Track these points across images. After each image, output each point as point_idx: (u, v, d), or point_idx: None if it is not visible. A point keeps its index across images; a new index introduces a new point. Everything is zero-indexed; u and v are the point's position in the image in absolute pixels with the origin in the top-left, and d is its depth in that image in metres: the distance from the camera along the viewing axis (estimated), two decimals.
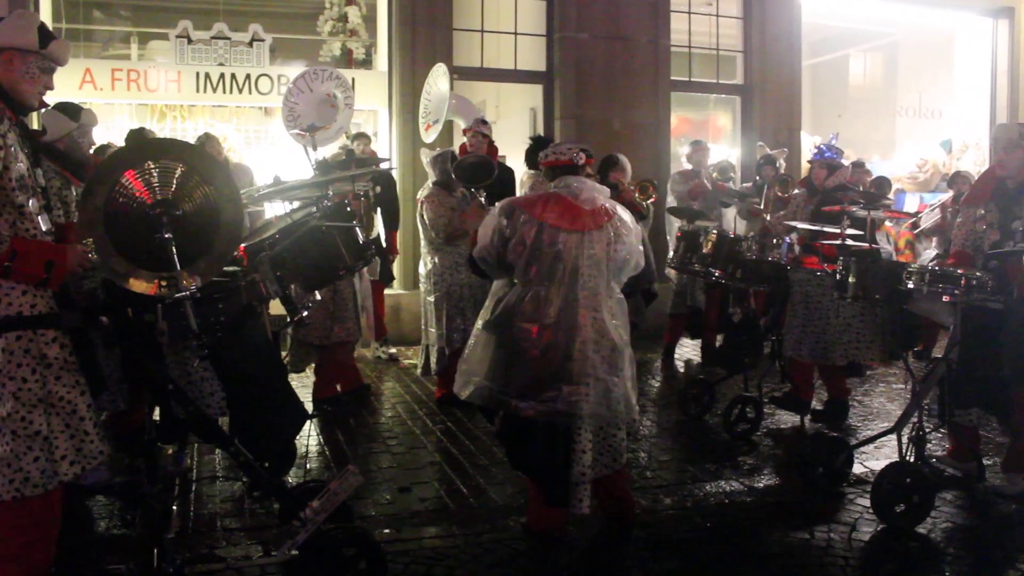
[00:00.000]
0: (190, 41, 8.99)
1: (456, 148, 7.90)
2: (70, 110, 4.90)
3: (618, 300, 4.02)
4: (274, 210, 4.47)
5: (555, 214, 3.86)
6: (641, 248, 4.14)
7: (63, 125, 4.76)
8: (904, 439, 4.64)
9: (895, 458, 4.73)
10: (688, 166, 9.06)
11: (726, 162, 9.82)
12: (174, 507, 3.76)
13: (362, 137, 8.53)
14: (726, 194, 8.81)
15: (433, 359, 6.67)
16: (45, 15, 8.59)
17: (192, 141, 7.48)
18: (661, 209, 8.87)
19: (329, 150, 7.69)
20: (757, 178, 9.31)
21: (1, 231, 2.87)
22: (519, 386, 3.82)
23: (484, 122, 7.67)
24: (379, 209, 8.13)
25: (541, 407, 3.80)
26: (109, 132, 9.01)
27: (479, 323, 4.09)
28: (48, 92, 3.21)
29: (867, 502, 4.61)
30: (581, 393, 3.78)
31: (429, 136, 8.43)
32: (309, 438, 5.77)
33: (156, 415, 3.72)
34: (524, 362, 3.83)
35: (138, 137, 6.59)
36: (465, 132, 7.87)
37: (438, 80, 8.44)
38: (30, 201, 2.98)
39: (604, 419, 3.92)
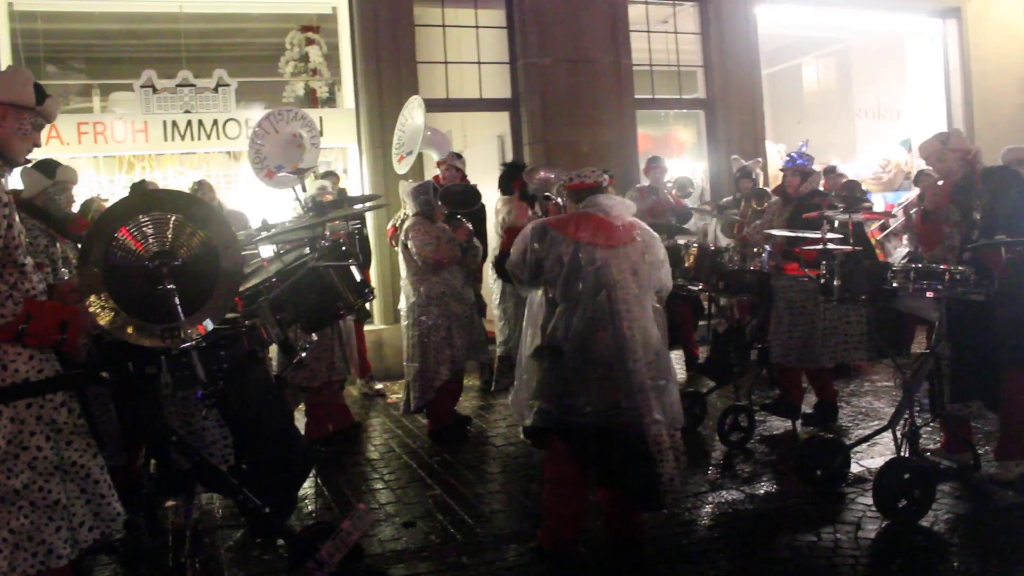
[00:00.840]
0: (155, 90, 8.96)
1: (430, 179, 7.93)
2: (46, 167, 4.88)
3: (656, 310, 4.11)
4: (263, 253, 4.47)
5: (589, 232, 3.94)
6: (666, 258, 4.24)
7: (38, 182, 4.74)
8: (898, 435, 4.71)
9: (890, 456, 4.80)
10: (646, 182, 9.15)
11: (685, 178, 9.94)
12: (185, 560, 3.72)
13: (330, 175, 8.52)
14: (686, 208, 8.89)
15: (415, 394, 6.60)
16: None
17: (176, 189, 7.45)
18: None
19: (309, 190, 7.68)
20: (736, 192, 9.41)
21: (10, 291, 2.81)
22: (581, 404, 3.89)
23: (458, 156, 7.74)
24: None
25: (607, 420, 3.88)
26: (79, 187, 8.94)
27: (528, 351, 4.13)
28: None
29: (868, 500, 4.67)
30: (642, 401, 3.85)
31: (402, 167, 8.47)
32: (307, 480, 5.73)
33: (152, 468, 3.70)
34: (581, 380, 3.89)
35: (139, 189, 6.55)
36: (439, 165, 7.92)
37: (413, 112, 8.49)
38: (27, 259, 2.95)
39: (671, 422, 3.99)
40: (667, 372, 4.06)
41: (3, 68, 3.18)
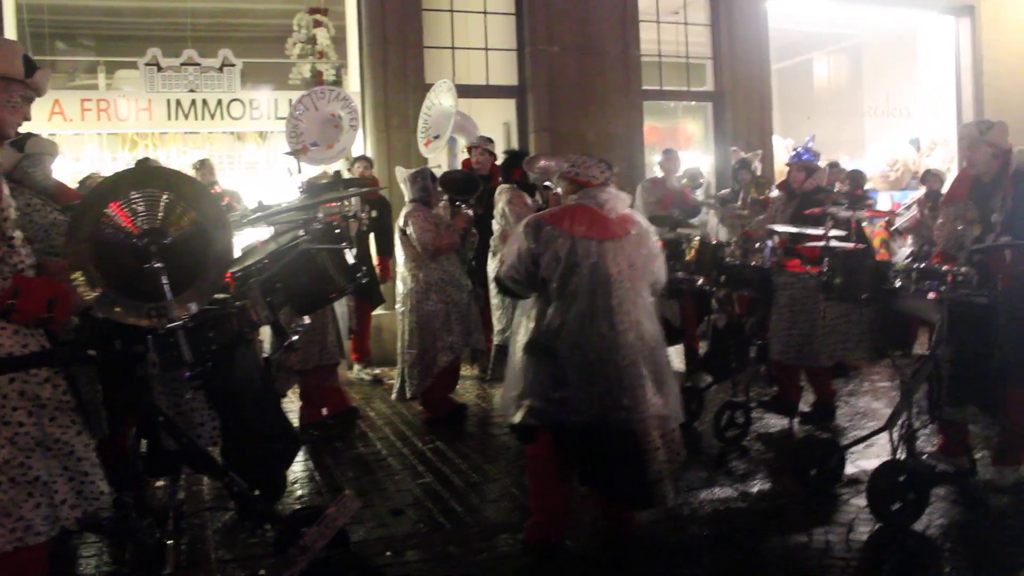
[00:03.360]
0: (160, 69, 8.92)
1: (459, 164, 7.93)
2: (17, 142, 4.76)
3: (650, 303, 4.06)
4: (257, 234, 4.42)
5: (584, 226, 3.88)
6: (660, 250, 4.18)
7: (9, 157, 4.63)
8: (895, 437, 4.66)
9: (886, 457, 4.74)
10: (659, 174, 9.10)
11: (695, 169, 9.88)
12: (169, 542, 3.70)
13: (363, 160, 8.48)
14: (695, 201, 8.84)
15: (410, 383, 6.58)
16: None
17: (172, 167, 7.42)
18: None
19: (315, 171, 7.67)
20: (735, 184, 9.36)
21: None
22: (574, 401, 3.83)
23: (489, 140, 7.71)
24: (373, 234, 8.09)
25: (603, 416, 3.83)
26: (80, 163, 8.94)
27: (520, 345, 4.06)
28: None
29: (862, 502, 4.62)
30: (640, 396, 3.81)
31: (430, 151, 8.43)
32: (297, 464, 5.70)
33: (143, 447, 3.67)
34: (576, 376, 3.84)
35: (143, 166, 6.49)
36: (470, 149, 7.87)
37: (442, 96, 8.45)
38: (16, 232, 2.91)
39: (668, 417, 3.96)
40: (664, 366, 4.01)
41: (21, 49, 3.10)
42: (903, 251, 8.84)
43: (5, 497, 2.78)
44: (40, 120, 8.36)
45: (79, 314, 3.24)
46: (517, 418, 3.98)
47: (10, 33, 8.68)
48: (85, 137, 9.28)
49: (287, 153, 5.76)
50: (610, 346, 3.84)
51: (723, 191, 9.94)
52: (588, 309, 3.85)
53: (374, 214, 7.95)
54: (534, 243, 3.90)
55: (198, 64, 9.04)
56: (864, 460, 5.38)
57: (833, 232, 5.06)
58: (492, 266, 7.22)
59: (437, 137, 8.39)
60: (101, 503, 3.01)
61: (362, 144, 9.43)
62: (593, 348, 3.84)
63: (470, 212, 6.41)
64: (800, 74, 14.97)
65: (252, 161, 10.00)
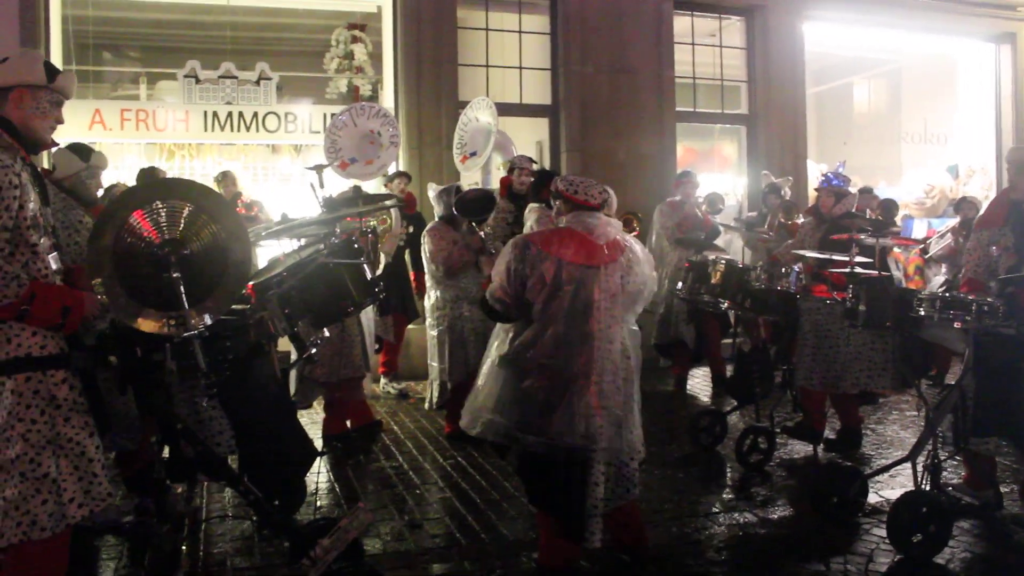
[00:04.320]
0: (198, 81, 9.09)
1: (493, 181, 7.96)
2: (82, 151, 4.92)
3: (632, 332, 4.03)
4: (282, 247, 4.48)
5: (571, 250, 3.87)
6: (654, 276, 4.15)
7: (73, 164, 4.79)
8: (919, 467, 4.59)
9: (910, 487, 4.67)
10: (676, 197, 9.06)
11: (716, 194, 9.83)
12: (183, 547, 3.74)
13: (402, 176, 8.53)
14: (714, 224, 8.78)
15: (435, 393, 6.69)
16: (56, 57, 8.68)
17: (201, 179, 7.52)
18: (642, 241, 8.80)
19: (343, 185, 7.73)
20: (763, 207, 9.31)
21: (17, 272, 2.87)
22: (534, 421, 3.81)
23: (532, 160, 7.74)
24: (408, 249, 8.14)
25: (556, 441, 3.79)
26: (119, 171, 9.09)
27: (492, 357, 4.06)
28: (59, 127, 3.24)
29: (883, 532, 4.55)
30: (596, 426, 3.78)
31: (466, 168, 8.47)
32: (319, 475, 5.74)
33: (165, 454, 3.72)
34: (539, 397, 3.82)
35: (149, 176, 6.62)
36: (509, 168, 7.89)
37: (480, 112, 8.48)
38: (41, 240, 2.99)
39: (618, 452, 3.90)
40: (631, 399, 3.97)
41: (42, 56, 3.20)
42: (937, 279, 8.73)
43: (15, 491, 2.88)
44: (80, 128, 8.56)
45: (110, 321, 3.31)
46: (474, 431, 3.97)
47: (56, 44, 8.89)
48: (124, 146, 9.45)
49: (310, 168, 5.82)
50: (581, 372, 3.82)
51: (750, 214, 9.88)
52: (564, 333, 3.82)
53: (411, 229, 8.00)
54: (520, 264, 3.89)
55: (235, 77, 9.19)
56: (887, 490, 5.32)
57: (858, 259, 5.01)
58: None
59: (474, 154, 8.43)
60: (108, 504, 3.09)
61: (396, 160, 9.51)
62: (562, 372, 3.81)
63: (482, 233, 6.42)
64: (838, 98, 14.87)
65: (287, 173, 10.11)
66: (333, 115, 8.22)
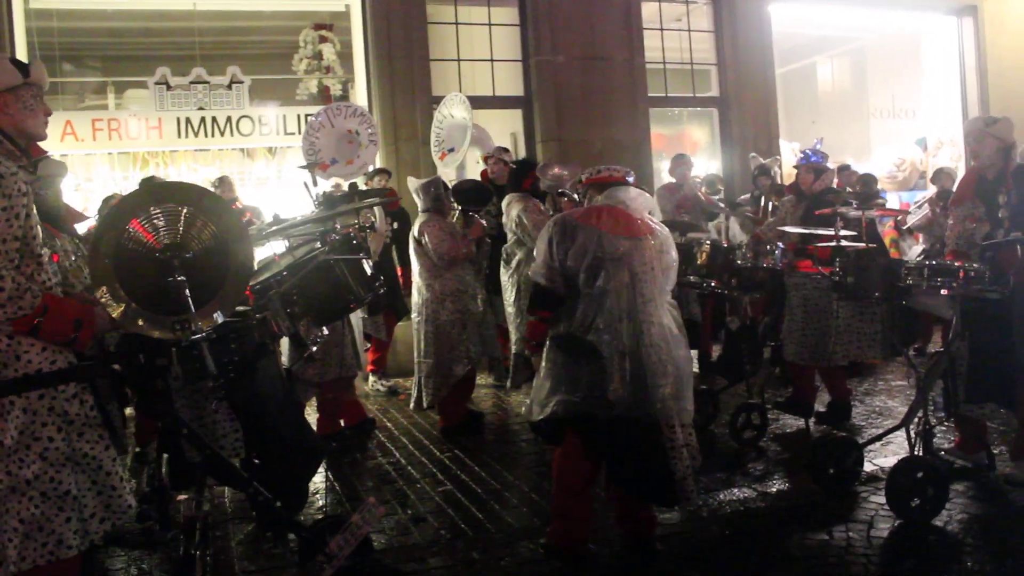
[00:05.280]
0: (169, 87, 9.02)
1: (469, 174, 7.95)
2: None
3: (672, 304, 4.09)
4: (273, 248, 4.47)
5: (611, 222, 3.93)
6: (676, 254, 4.21)
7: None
8: (911, 434, 4.68)
9: (903, 454, 4.76)
10: (672, 180, 9.12)
11: (713, 175, 9.90)
12: (196, 552, 3.73)
13: (382, 172, 8.51)
14: (715, 206, 8.87)
15: (427, 392, 6.61)
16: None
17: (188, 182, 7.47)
18: None
19: (328, 184, 7.72)
20: (755, 190, 9.38)
21: (30, 284, 2.81)
22: (600, 397, 3.86)
23: (505, 150, 7.76)
24: (394, 245, 8.13)
25: (631, 411, 3.84)
26: (92, 183, 9.02)
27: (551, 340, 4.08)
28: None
29: (881, 499, 4.64)
30: (664, 393, 3.85)
31: (445, 165, 8.47)
32: (317, 475, 5.73)
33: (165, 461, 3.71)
34: (598, 373, 3.86)
35: (149, 184, 6.54)
36: (486, 159, 7.91)
37: (454, 108, 8.49)
38: (43, 250, 2.96)
39: (686, 413, 3.98)
40: (686, 366, 4.04)
41: (39, 62, 3.15)
42: (914, 250, 8.84)
43: (37, 512, 2.81)
44: (52, 141, 8.38)
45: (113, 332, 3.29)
46: (544, 415, 3.99)
47: (21, 56, 8.75)
48: (96, 157, 9.36)
49: (301, 167, 5.80)
50: (635, 343, 3.87)
51: (743, 196, 9.94)
52: (617, 304, 3.88)
53: (395, 225, 7.99)
54: (561, 236, 3.95)
55: (207, 82, 9.14)
56: (882, 458, 5.41)
57: (844, 232, 5.07)
58: (505, 275, 7.28)
59: (452, 150, 8.44)
60: (129, 516, 3.05)
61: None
62: (620, 343, 3.87)
63: (483, 222, 6.44)
64: (804, 78, 14.97)
65: (263, 177, 10.06)
66: (309, 116, 8.18)
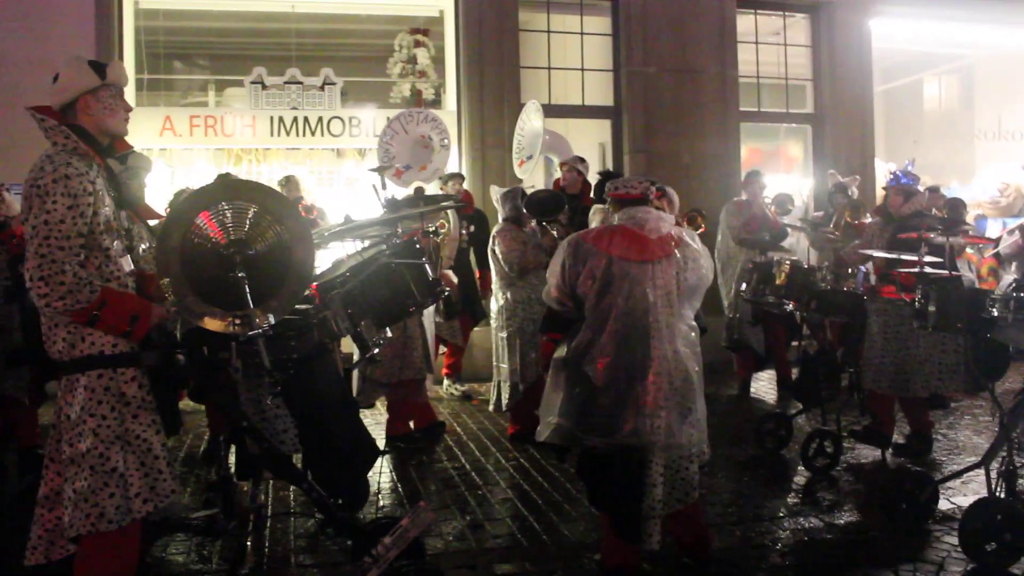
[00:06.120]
0: (264, 87, 9.28)
1: (551, 183, 7.96)
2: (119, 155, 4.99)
3: (690, 328, 3.97)
4: (345, 249, 4.53)
5: (622, 246, 3.84)
6: (711, 267, 4.09)
7: (111, 167, 4.85)
8: (993, 474, 4.46)
9: (983, 494, 4.54)
10: (743, 197, 8.93)
11: (785, 195, 9.66)
12: (248, 542, 3.80)
13: (456, 177, 8.58)
14: (781, 227, 8.62)
15: (505, 395, 6.71)
16: (128, 66, 8.91)
17: (267, 183, 7.64)
18: (710, 241, 8.68)
19: (406, 190, 7.80)
20: (829, 207, 9.15)
21: (90, 278, 2.96)
22: (594, 421, 3.79)
23: (581, 159, 7.75)
24: (472, 248, 8.17)
25: (615, 440, 3.76)
26: (188, 177, 9.31)
27: (553, 362, 4.05)
28: (133, 134, 3.33)
29: (955, 540, 4.43)
30: (654, 425, 3.73)
31: (523, 172, 8.51)
32: (382, 475, 5.80)
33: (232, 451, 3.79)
34: (598, 397, 3.80)
35: (223, 180, 6.71)
36: (561, 166, 7.93)
37: (531, 117, 8.53)
38: (114, 243, 3.09)
39: (677, 451, 3.86)
40: (693, 399, 3.88)
41: (117, 62, 3.30)
42: (1007, 278, 8.45)
43: (85, 484, 2.98)
44: (152, 135, 8.82)
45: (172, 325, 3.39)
46: (543, 436, 3.94)
47: (129, 55, 9.16)
48: (194, 152, 9.67)
49: (372, 169, 5.89)
50: (639, 370, 3.77)
51: (816, 214, 9.70)
52: (620, 330, 3.78)
53: (472, 229, 8.04)
54: (573, 260, 3.89)
55: (300, 83, 9.36)
56: (959, 496, 5.18)
57: (928, 258, 4.88)
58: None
59: (531, 157, 8.46)
60: (172, 500, 3.16)
61: (457, 162, 9.58)
62: (621, 371, 3.77)
63: (554, 232, 6.43)
64: (908, 95, 14.53)
65: (352, 177, 10.24)
66: (387, 121, 8.27)
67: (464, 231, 7.79)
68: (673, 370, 3.80)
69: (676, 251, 3.90)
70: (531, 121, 8.59)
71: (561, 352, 3.97)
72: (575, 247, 3.91)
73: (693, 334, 3.97)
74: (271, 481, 5.40)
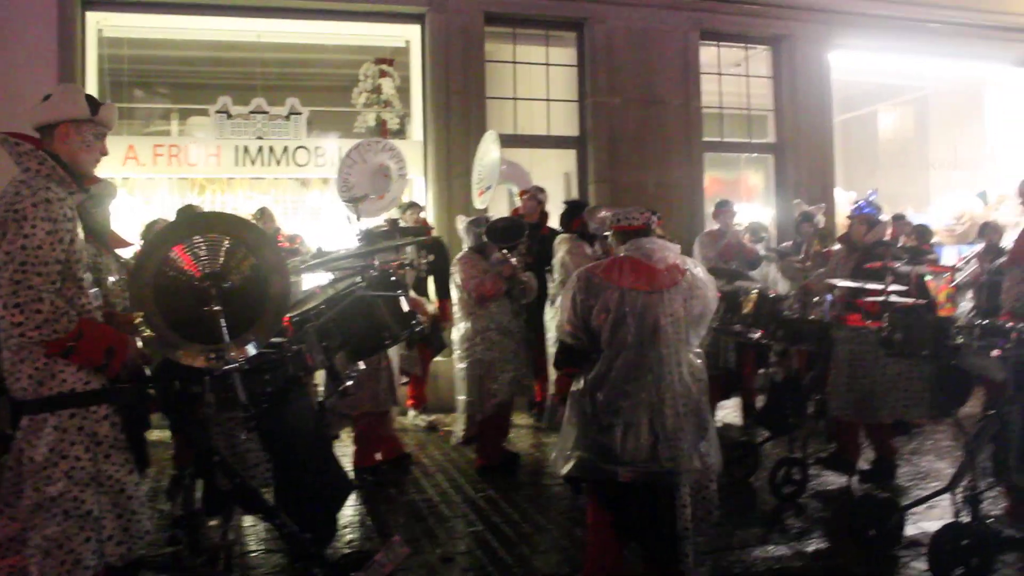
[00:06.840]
0: (229, 116, 9.23)
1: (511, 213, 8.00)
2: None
3: (696, 354, 4.01)
4: (316, 280, 4.51)
5: (632, 278, 3.87)
6: (715, 302, 4.13)
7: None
8: (958, 499, 4.52)
9: (948, 519, 4.60)
10: (715, 227, 9.03)
11: (757, 223, 9.79)
12: None
13: (414, 206, 8.58)
14: (756, 255, 8.73)
15: (461, 426, 6.64)
16: (90, 94, 8.84)
17: (236, 213, 7.59)
18: None
19: (375, 220, 7.78)
20: (797, 236, 9.27)
21: (67, 308, 2.89)
22: (616, 451, 3.80)
23: (540, 189, 7.79)
24: (431, 277, 8.15)
25: (640, 469, 3.77)
26: (151, 206, 9.21)
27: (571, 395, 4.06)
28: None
29: (922, 565, 4.49)
30: (677, 450, 3.76)
31: (481, 202, 8.52)
32: (349, 508, 5.74)
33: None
34: (618, 427, 3.81)
35: (187, 212, 6.67)
36: (521, 195, 7.95)
37: (489, 147, 8.55)
38: (85, 274, 3.04)
39: (699, 473, 3.89)
40: (707, 420, 3.95)
41: (82, 90, 3.27)
42: (964, 305, 8.61)
43: (59, 529, 2.87)
44: (114, 164, 8.70)
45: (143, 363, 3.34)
46: (564, 470, 3.94)
47: (92, 82, 9.06)
48: (157, 181, 9.57)
49: (346, 201, 5.88)
50: (655, 397, 3.81)
51: (785, 244, 9.83)
52: (635, 360, 3.82)
53: (431, 258, 8.01)
54: (585, 294, 3.91)
55: (266, 112, 9.33)
56: (926, 521, 5.22)
57: (893, 287, 4.97)
58: (550, 314, 7.25)
59: (489, 188, 8.48)
60: (146, 542, 3.09)
61: (423, 192, 9.59)
62: (638, 399, 3.81)
63: (513, 260, 6.44)
64: (865, 126, 14.82)
65: (316, 207, 10.19)
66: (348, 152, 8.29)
67: (423, 260, 7.77)
68: (687, 395, 3.85)
69: (682, 279, 3.94)
70: (489, 152, 8.63)
71: (578, 385, 3.97)
72: (586, 282, 3.94)
73: (699, 360, 4.02)
74: (242, 516, 5.32)
